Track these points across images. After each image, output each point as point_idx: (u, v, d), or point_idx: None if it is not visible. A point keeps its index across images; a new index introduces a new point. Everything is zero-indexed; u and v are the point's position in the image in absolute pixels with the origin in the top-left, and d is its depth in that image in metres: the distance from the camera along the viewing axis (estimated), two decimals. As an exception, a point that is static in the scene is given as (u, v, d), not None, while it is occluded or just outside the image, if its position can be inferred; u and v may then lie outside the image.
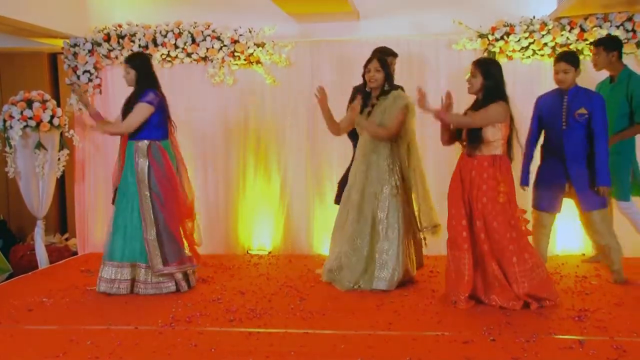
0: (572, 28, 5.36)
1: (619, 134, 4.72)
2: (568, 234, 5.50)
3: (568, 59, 4.47)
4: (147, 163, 4.46)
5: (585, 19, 5.34)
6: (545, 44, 5.42)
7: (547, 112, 4.56)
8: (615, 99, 4.75)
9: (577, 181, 4.44)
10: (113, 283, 4.45)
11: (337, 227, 4.76)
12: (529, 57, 5.50)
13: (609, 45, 4.84)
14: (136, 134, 4.49)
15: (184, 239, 4.63)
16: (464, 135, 4.13)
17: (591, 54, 5.01)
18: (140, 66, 4.54)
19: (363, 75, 4.63)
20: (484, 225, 3.99)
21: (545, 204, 4.59)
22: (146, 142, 4.48)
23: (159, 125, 4.54)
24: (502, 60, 5.51)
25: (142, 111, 4.44)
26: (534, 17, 5.45)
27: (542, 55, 5.49)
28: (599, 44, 4.92)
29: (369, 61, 4.59)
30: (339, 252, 4.64)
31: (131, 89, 4.58)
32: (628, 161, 4.80)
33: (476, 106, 4.12)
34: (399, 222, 4.51)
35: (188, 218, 4.70)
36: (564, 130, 4.41)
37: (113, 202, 4.64)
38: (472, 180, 4.05)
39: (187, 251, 4.63)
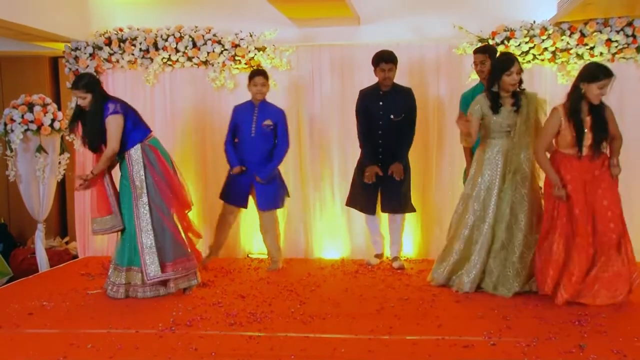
0: (572, 33, 5.38)
1: None
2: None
3: None
4: (142, 168, 4.46)
5: (586, 23, 5.35)
6: (546, 49, 5.43)
7: (240, 120, 5.25)
8: None
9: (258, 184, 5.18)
10: (112, 286, 4.50)
11: (466, 234, 4.53)
12: (529, 61, 5.51)
13: (494, 53, 5.00)
14: (123, 146, 4.49)
15: (184, 238, 4.63)
16: (590, 138, 4.15)
17: (474, 63, 5.09)
18: (94, 86, 4.47)
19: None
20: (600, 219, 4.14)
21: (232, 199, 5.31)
22: (137, 147, 4.48)
23: (135, 126, 4.51)
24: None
25: (114, 124, 4.39)
26: (534, 22, 5.46)
27: (543, 60, 5.51)
28: (483, 51, 5.02)
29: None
30: (477, 260, 4.45)
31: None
32: None
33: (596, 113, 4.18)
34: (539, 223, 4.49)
35: (187, 208, 4.72)
36: (252, 137, 5.15)
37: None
38: (594, 180, 4.16)
39: (188, 250, 4.60)
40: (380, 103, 5.17)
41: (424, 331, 3.65)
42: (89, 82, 4.46)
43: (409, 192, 5.32)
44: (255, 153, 5.19)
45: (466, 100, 5.20)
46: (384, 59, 5.09)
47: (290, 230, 5.95)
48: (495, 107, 4.47)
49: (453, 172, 5.65)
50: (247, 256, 6.00)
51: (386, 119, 5.15)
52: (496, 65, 4.51)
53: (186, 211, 4.73)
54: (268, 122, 5.17)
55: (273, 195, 5.27)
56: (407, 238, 5.76)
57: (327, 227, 5.92)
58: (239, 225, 5.99)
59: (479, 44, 5.49)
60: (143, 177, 4.45)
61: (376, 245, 5.52)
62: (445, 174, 5.72)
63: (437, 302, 4.27)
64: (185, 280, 4.56)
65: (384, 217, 5.47)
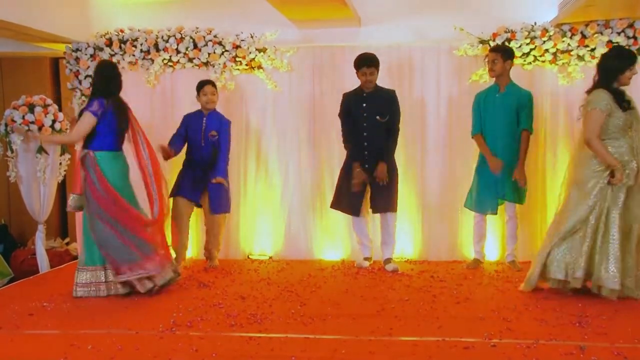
0: (573, 34, 5.38)
1: (523, 153, 5.07)
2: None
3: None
4: (83, 175, 4.51)
5: (587, 25, 5.35)
6: (547, 50, 5.43)
7: (190, 128, 5.45)
8: (506, 107, 5.08)
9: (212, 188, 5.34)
10: (90, 287, 4.52)
11: (578, 236, 4.27)
12: (530, 63, 5.52)
13: (507, 54, 5.07)
14: (82, 143, 4.57)
15: (145, 244, 4.53)
16: None
17: (486, 61, 5.16)
18: (96, 74, 4.57)
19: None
20: None
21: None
22: (84, 152, 4.52)
23: (100, 135, 4.50)
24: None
25: (85, 120, 4.47)
26: (535, 24, 5.46)
27: (544, 62, 5.50)
28: (497, 50, 5.08)
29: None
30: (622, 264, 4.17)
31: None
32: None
33: None
34: None
35: (150, 226, 4.61)
36: (202, 146, 5.38)
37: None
38: None
39: (141, 257, 4.46)
40: (364, 105, 5.19)
41: (425, 332, 3.65)
42: (96, 69, 4.63)
43: (397, 192, 5.33)
44: (205, 158, 5.40)
45: (479, 101, 5.19)
46: (366, 63, 5.10)
47: (290, 232, 5.96)
48: (621, 103, 4.18)
49: (453, 173, 5.65)
50: (248, 257, 6.00)
51: (371, 120, 5.16)
52: (619, 60, 4.22)
53: (148, 229, 4.60)
54: (213, 132, 5.40)
55: (226, 199, 5.47)
56: (408, 239, 5.78)
57: (327, 228, 5.92)
58: (238, 227, 6.00)
59: (480, 46, 5.50)
60: (84, 183, 4.51)
61: (365, 248, 5.50)
62: (446, 174, 5.71)
63: (437, 303, 4.27)
64: (150, 281, 4.49)
65: (369, 220, 5.50)
